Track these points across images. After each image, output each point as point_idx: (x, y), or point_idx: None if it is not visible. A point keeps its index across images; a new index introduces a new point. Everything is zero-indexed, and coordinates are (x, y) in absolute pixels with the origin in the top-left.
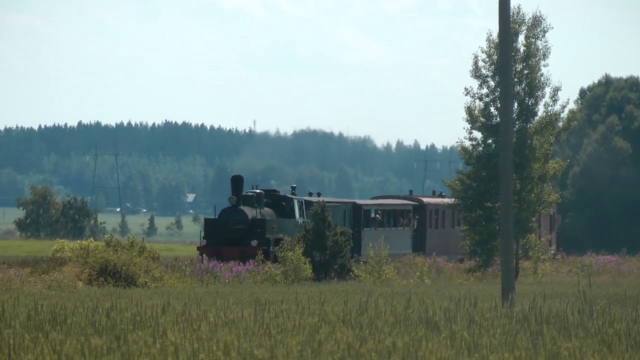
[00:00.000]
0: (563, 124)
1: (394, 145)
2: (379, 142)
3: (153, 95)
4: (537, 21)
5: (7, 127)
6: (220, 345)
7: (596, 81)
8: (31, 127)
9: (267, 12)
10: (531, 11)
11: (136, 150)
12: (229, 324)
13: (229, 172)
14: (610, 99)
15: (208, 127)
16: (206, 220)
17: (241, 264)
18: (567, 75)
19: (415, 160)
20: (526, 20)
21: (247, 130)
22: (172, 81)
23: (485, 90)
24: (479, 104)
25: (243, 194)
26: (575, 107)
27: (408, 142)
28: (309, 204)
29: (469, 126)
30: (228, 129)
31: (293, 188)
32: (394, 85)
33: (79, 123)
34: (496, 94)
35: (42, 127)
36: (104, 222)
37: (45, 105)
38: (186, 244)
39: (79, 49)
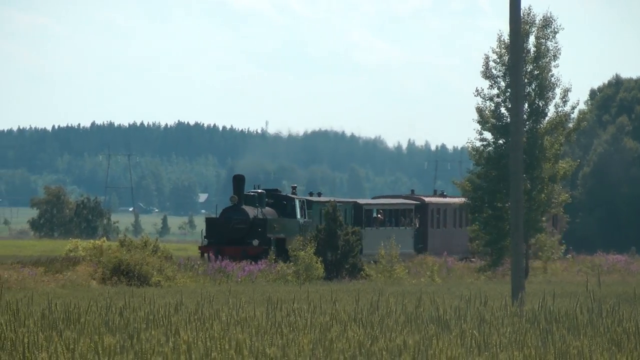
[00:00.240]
0: (573, 125)
1: (404, 146)
2: (390, 142)
3: (165, 95)
4: (547, 22)
5: (21, 127)
6: (233, 343)
7: (606, 82)
8: (45, 128)
9: (278, 12)
10: (542, 12)
11: (149, 151)
12: (241, 322)
13: (241, 171)
14: (621, 100)
15: (220, 128)
16: (208, 219)
17: (253, 263)
18: (578, 76)
19: (426, 160)
20: (537, 21)
21: (259, 131)
22: (185, 82)
23: (495, 91)
24: (489, 105)
25: (245, 193)
26: (585, 108)
27: (419, 142)
28: (309, 203)
29: (479, 127)
30: (240, 129)
31: (294, 188)
32: (405, 86)
33: (92, 123)
34: (507, 94)
35: (56, 127)
36: (117, 222)
37: (59, 106)
38: (199, 244)
39: (92, 50)
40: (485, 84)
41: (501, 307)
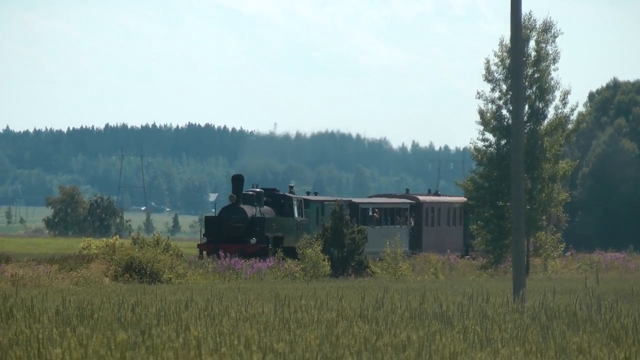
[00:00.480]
0: (573, 126)
1: (409, 147)
2: (395, 143)
3: (177, 98)
4: (547, 26)
5: (37, 129)
6: (242, 339)
7: (605, 85)
8: (60, 129)
9: (286, 17)
10: (542, 17)
11: (161, 151)
12: (250, 319)
13: (250, 172)
14: (618, 102)
15: (230, 129)
16: (207, 217)
17: (261, 260)
18: (577, 78)
19: (429, 161)
20: (537, 25)
21: (268, 132)
22: (195, 84)
23: (497, 94)
24: (491, 107)
25: (243, 192)
26: (584, 110)
27: (423, 143)
28: (307, 202)
29: (481, 128)
30: (249, 130)
31: (291, 187)
32: (409, 88)
33: (106, 125)
34: (508, 96)
35: (71, 129)
36: (130, 221)
37: (74, 108)
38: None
39: (106, 54)
40: (486, 87)
41: (503, 303)
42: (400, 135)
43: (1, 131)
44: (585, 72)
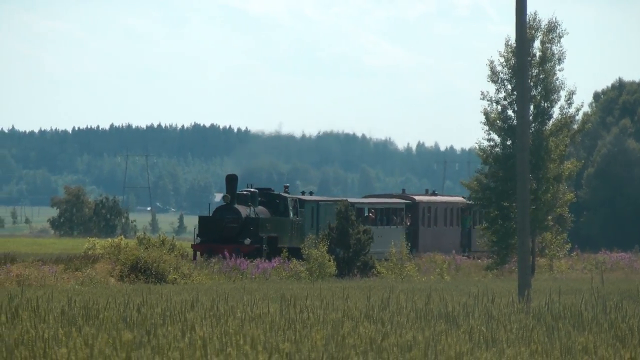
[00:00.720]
0: (578, 126)
1: (414, 147)
2: (400, 143)
3: (182, 98)
4: (552, 27)
5: (42, 129)
6: (248, 339)
7: (610, 85)
8: (65, 129)
9: (292, 18)
10: (547, 17)
11: (166, 152)
12: (255, 319)
13: (255, 172)
14: (624, 102)
15: (235, 129)
16: (201, 218)
17: (267, 260)
18: (582, 79)
19: (435, 161)
20: (542, 26)
21: (273, 132)
22: (200, 85)
23: (502, 94)
24: (496, 107)
25: (237, 192)
26: (589, 110)
27: (428, 143)
28: (302, 202)
29: (487, 128)
30: (254, 131)
31: (286, 187)
32: (415, 89)
33: (111, 125)
34: (513, 97)
35: (76, 129)
36: (135, 221)
37: (79, 109)
38: None
39: (111, 55)
40: (491, 88)
41: (508, 303)
42: (405, 135)
43: (6, 131)
44: (590, 73)
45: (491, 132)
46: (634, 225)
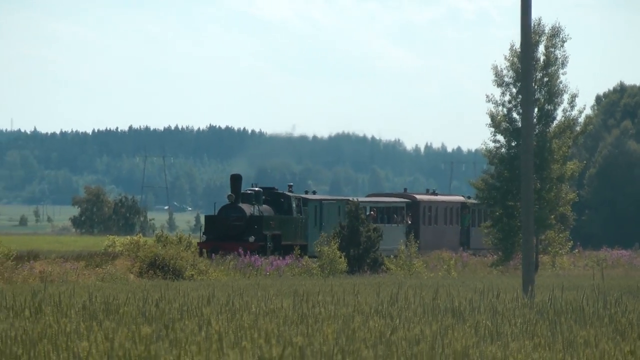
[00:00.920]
0: (580, 128)
1: (422, 148)
2: (409, 144)
3: (198, 101)
4: (556, 32)
5: (63, 131)
6: (262, 333)
7: (611, 88)
8: (85, 131)
9: (303, 23)
10: (550, 22)
11: (183, 152)
12: (269, 313)
13: (269, 172)
14: (624, 105)
15: (250, 131)
16: (206, 217)
17: (281, 258)
18: (584, 82)
19: (442, 162)
20: (546, 31)
21: (286, 134)
22: (216, 88)
23: (507, 97)
24: (501, 110)
25: (242, 192)
26: (591, 113)
27: (436, 145)
28: (305, 201)
29: (492, 130)
30: (268, 132)
31: (290, 186)
32: (423, 91)
33: (130, 127)
34: (518, 99)
35: (96, 131)
36: (153, 219)
37: (99, 111)
38: None
39: (130, 59)
40: (496, 91)
41: (513, 299)
42: (413, 136)
43: (29, 133)
44: (592, 76)
45: (497, 134)
46: (634, 224)
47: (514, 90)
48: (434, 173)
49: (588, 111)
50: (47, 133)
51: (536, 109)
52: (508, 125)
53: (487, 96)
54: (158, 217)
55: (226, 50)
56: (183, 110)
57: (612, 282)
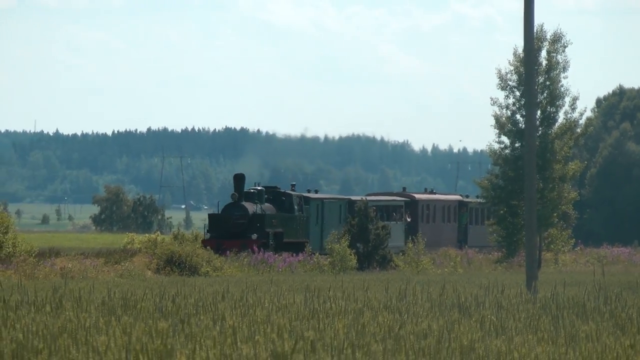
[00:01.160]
0: (581, 130)
1: (429, 149)
2: (417, 146)
3: (214, 104)
4: (557, 37)
5: (84, 132)
6: (274, 328)
7: (611, 91)
8: (105, 133)
9: (315, 29)
10: (552, 29)
11: (199, 153)
12: (282, 309)
13: (282, 172)
14: (624, 108)
15: (264, 132)
16: (210, 215)
17: (294, 255)
18: (585, 85)
19: (449, 162)
20: (548, 36)
21: (298, 136)
22: (231, 91)
23: (511, 100)
24: (505, 112)
25: (245, 190)
26: (592, 115)
27: (443, 146)
28: (307, 200)
29: (497, 131)
30: (282, 134)
31: (293, 185)
32: (430, 95)
33: (148, 129)
34: (521, 102)
35: (115, 132)
36: (170, 218)
37: (118, 113)
38: None
39: (149, 64)
40: (500, 94)
41: (517, 295)
42: (421, 138)
43: (51, 134)
44: (592, 80)
45: (501, 135)
46: (634, 222)
47: (518, 93)
48: (441, 173)
49: (589, 113)
50: (68, 134)
51: (539, 112)
52: (512, 127)
53: (492, 99)
54: (175, 216)
55: (242, 56)
56: (200, 112)
57: (613, 279)
